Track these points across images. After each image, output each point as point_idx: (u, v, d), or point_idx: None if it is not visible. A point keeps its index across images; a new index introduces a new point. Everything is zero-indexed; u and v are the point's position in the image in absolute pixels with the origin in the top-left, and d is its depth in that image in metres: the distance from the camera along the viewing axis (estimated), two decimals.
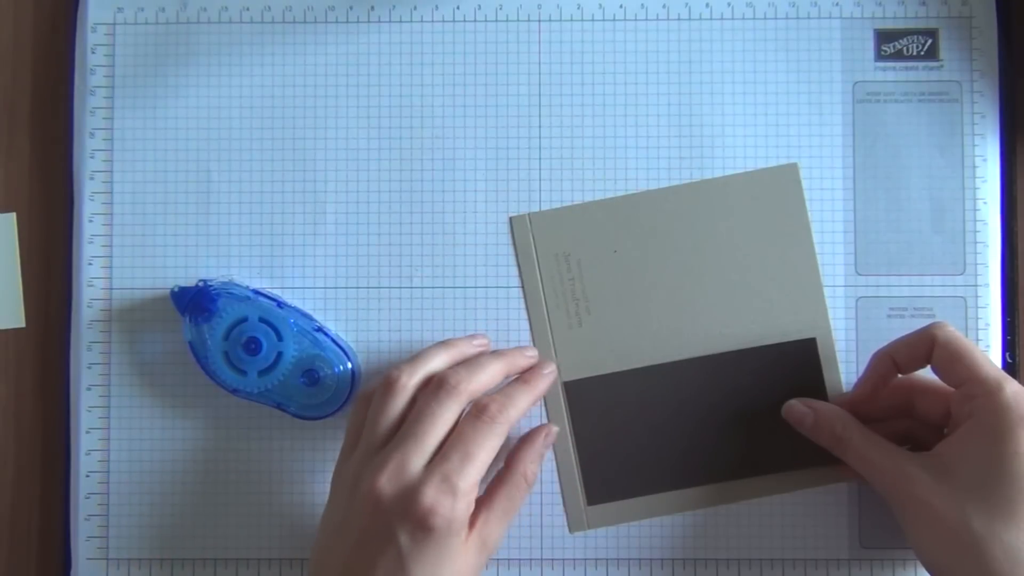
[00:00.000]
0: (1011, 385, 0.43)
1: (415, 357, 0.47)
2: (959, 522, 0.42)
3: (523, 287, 0.51)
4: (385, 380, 0.45)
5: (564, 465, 0.51)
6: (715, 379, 0.50)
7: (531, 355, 0.49)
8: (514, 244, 0.51)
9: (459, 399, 0.45)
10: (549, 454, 0.50)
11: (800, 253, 0.51)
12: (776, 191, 0.51)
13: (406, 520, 0.42)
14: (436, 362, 0.47)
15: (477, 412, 0.44)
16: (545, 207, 0.51)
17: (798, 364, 0.50)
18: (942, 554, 0.43)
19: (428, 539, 0.42)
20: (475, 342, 0.49)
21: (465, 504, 0.43)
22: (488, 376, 0.46)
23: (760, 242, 0.51)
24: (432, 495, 0.42)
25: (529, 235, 0.51)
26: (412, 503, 0.42)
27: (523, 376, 0.48)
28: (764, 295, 0.51)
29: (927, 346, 0.46)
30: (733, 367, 0.50)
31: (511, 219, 0.51)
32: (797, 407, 0.49)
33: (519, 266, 0.51)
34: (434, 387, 0.45)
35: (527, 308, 0.51)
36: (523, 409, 0.47)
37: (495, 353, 0.48)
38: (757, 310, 0.51)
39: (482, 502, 0.46)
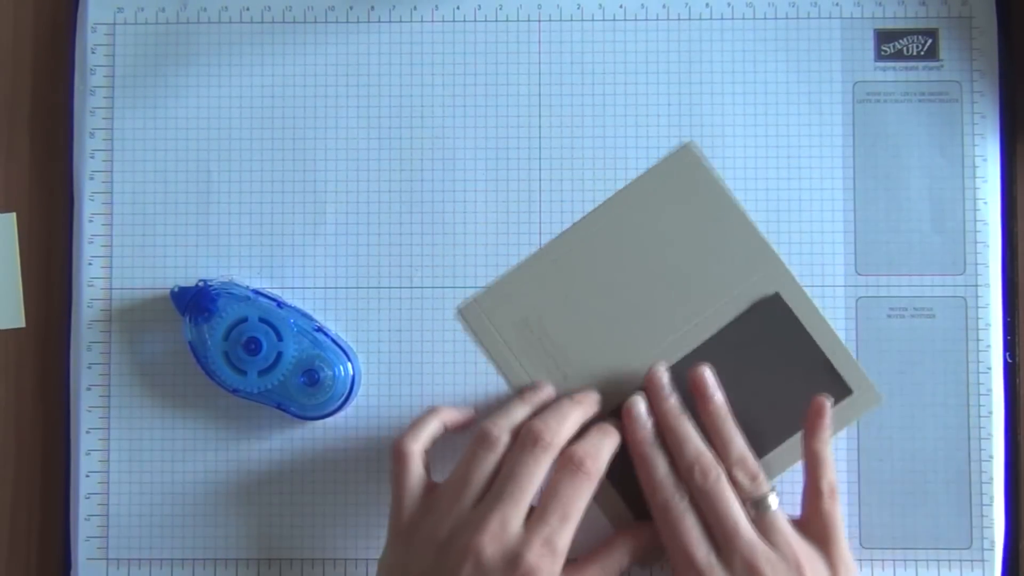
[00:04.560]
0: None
1: (504, 411, 0.48)
2: None
3: (501, 370, 0.51)
4: (480, 435, 0.46)
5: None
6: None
7: (596, 398, 0.50)
8: (473, 333, 0.51)
9: (552, 453, 0.46)
10: None
11: (731, 221, 0.51)
12: (683, 174, 0.51)
13: None
14: (520, 413, 0.48)
15: (574, 468, 0.45)
16: (545, 207, 0.51)
17: (775, 323, 0.50)
18: None
19: None
20: (546, 390, 0.50)
21: (561, 564, 0.44)
22: (572, 425, 0.47)
23: (691, 227, 0.51)
24: (535, 558, 0.43)
25: (484, 318, 0.51)
26: (516, 565, 0.43)
27: (600, 424, 0.48)
28: (717, 273, 0.51)
29: None
30: (719, 352, 0.50)
31: (460, 311, 0.51)
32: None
33: (488, 352, 0.51)
34: (529, 442, 0.45)
35: (510, 386, 0.51)
36: (608, 459, 0.47)
37: (571, 399, 0.49)
38: (717, 289, 0.51)
39: (574, 568, 0.47)
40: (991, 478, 0.50)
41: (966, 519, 0.50)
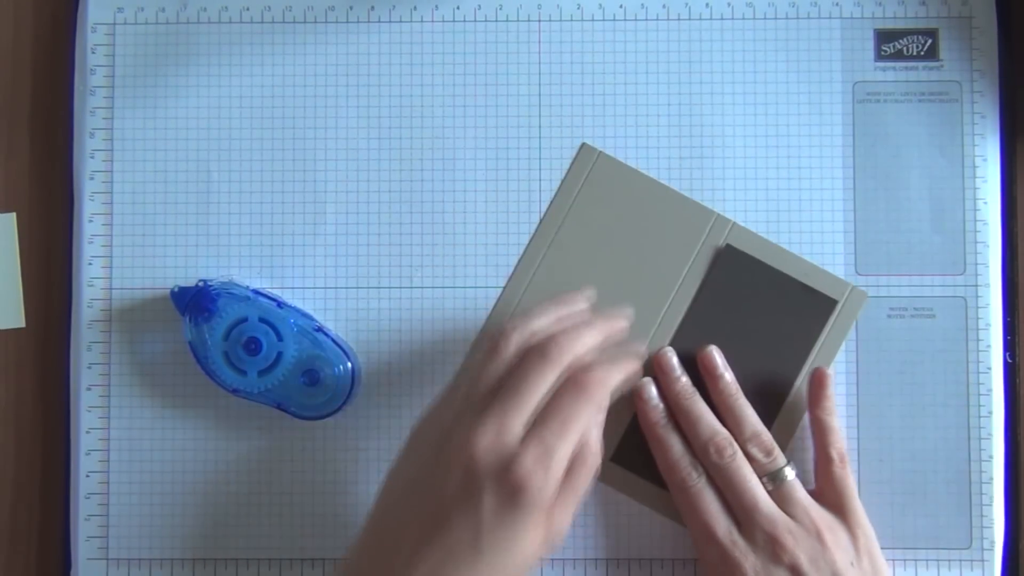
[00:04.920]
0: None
1: (524, 315, 0.46)
2: None
3: None
4: (490, 341, 0.45)
5: None
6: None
7: (624, 325, 0.48)
8: None
9: (560, 366, 0.44)
10: None
11: (657, 196, 0.51)
12: (594, 173, 0.51)
13: (499, 486, 0.41)
14: (542, 322, 0.46)
15: (578, 385, 0.44)
16: (544, 207, 0.51)
17: (739, 272, 0.51)
18: None
19: (513, 508, 0.41)
20: (584, 295, 0.48)
21: (556, 478, 0.42)
22: (590, 342, 0.45)
23: (625, 216, 0.51)
24: (529, 465, 0.41)
25: None
26: (507, 470, 0.41)
27: (622, 351, 0.47)
28: (667, 249, 0.51)
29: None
30: (702, 322, 0.50)
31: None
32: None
33: None
34: (537, 355, 0.44)
35: None
36: (617, 384, 0.45)
37: (595, 319, 0.47)
38: (674, 264, 0.51)
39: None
40: (991, 478, 0.50)
41: (966, 519, 0.50)
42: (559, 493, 0.43)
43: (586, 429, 0.44)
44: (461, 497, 0.42)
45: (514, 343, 0.45)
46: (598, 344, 0.46)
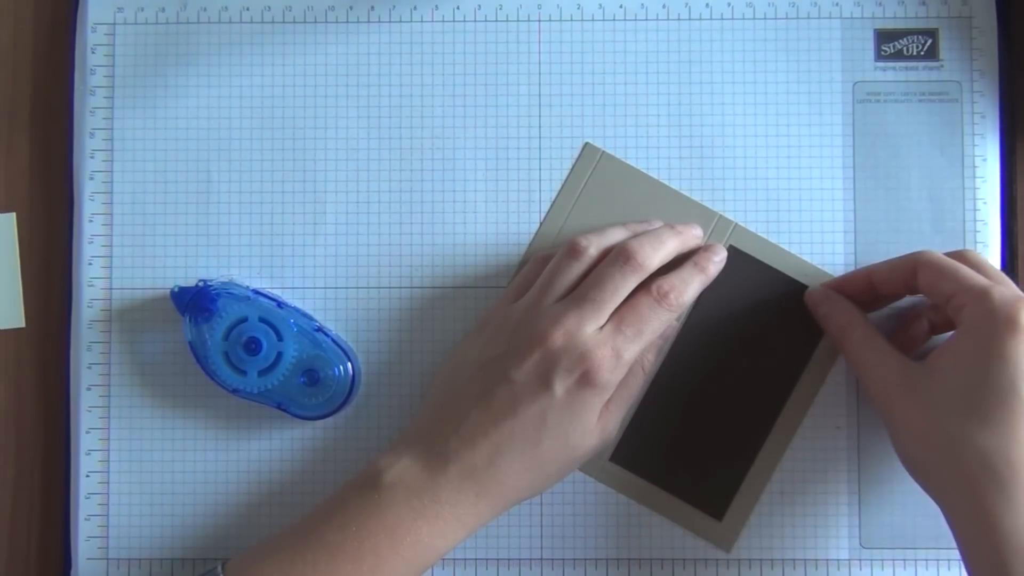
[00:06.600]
0: (998, 289, 0.43)
1: (600, 230, 0.48)
2: (936, 425, 0.43)
3: None
4: (570, 245, 0.47)
5: None
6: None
7: (699, 234, 0.50)
8: None
9: (640, 275, 0.46)
10: None
11: (660, 197, 0.51)
12: (597, 172, 0.51)
13: (572, 370, 0.44)
14: (616, 235, 0.48)
15: (659, 295, 0.46)
16: (545, 207, 0.51)
17: (741, 272, 0.50)
18: (918, 453, 0.45)
19: (580, 394, 0.44)
20: (652, 222, 0.50)
21: (621, 376, 0.45)
22: (667, 252, 0.47)
23: (629, 216, 0.51)
24: (601, 356, 0.44)
25: None
26: (582, 357, 0.44)
27: (696, 259, 0.48)
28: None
29: (909, 270, 0.46)
30: (707, 323, 0.50)
31: None
32: (817, 292, 0.49)
33: None
34: (621, 258, 0.46)
35: None
36: (695, 295, 0.48)
37: (671, 228, 0.48)
38: None
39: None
40: None
41: None
42: (613, 395, 0.46)
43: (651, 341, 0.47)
44: (534, 380, 0.44)
45: (595, 246, 0.47)
46: (676, 252, 0.48)
